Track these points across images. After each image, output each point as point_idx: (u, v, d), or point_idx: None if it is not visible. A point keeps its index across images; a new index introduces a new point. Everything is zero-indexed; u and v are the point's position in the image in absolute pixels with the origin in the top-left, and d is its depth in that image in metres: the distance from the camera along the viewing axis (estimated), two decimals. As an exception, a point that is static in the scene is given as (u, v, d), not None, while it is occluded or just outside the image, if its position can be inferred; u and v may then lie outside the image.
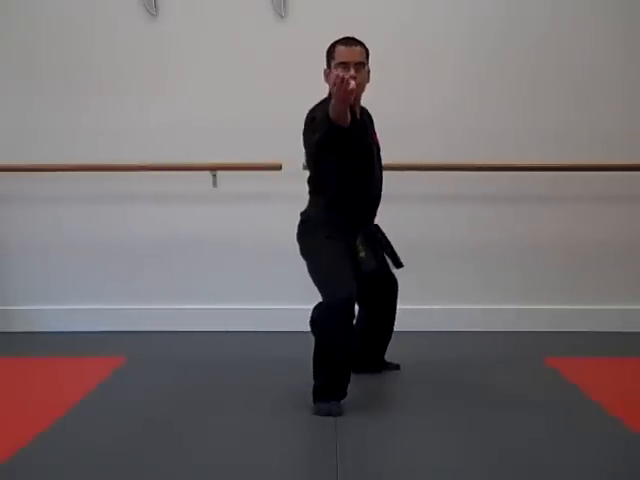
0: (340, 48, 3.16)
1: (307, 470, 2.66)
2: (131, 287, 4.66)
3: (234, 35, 4.53)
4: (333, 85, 2.85)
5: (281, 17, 4.52)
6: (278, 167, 4.35)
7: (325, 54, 3.26)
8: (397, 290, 3.62)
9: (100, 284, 4.66)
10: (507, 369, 3.82)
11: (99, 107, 4.56)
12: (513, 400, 3.32)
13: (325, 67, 3.24)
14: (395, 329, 4.55)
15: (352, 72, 3.06)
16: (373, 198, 3.42)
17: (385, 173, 4.55)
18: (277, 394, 3.40)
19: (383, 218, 4.54)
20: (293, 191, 4.47)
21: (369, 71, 3.23)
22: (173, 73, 4.59)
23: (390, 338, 3.72)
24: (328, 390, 3.13)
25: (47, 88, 4.58)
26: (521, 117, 4.56)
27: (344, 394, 3.17)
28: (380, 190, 3.44)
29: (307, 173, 4.58)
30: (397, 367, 3.78)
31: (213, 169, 4.52)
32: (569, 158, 4.46)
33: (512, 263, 4.64)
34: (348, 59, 3.12)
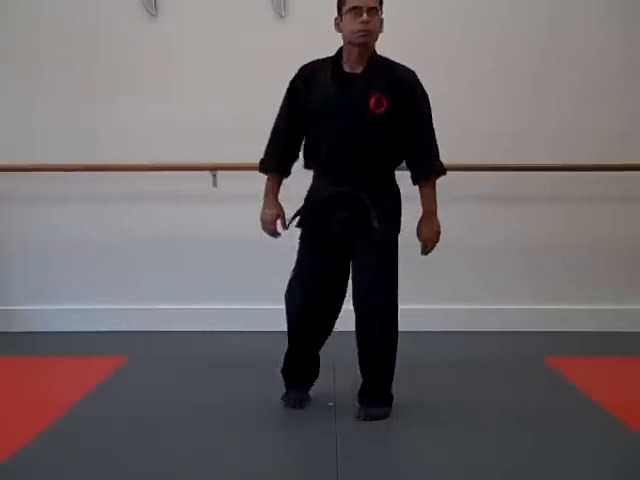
0: None
1: (307, 470, 2.66)
2: (131, 287, 4.66)
3: (234, 35, 4.53)
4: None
5: (281, 17, 4.52)
6: (278, 167, 4.35)
7: (336, 7, 3.06)
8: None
9: (100, 284, 4.66)
10: (507, 369, 3.83)
11: (99, 107, 4.56)
12: (513, 400, 3.33)
13: (336, 16, 3.05)
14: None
15: (365, 17, 2.91)
16: (335, 154, 3.07)
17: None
18: (277, 394, 3.40)
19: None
20: (293, 191, 4.48)
21: (382, 20, 3.05)
22: (173, 73, 4.59)
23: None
24: None
25: (46, 88, 4.58)
26: (514, 118, 4.56)
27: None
28: (361, 150, 3.03)
29: (306, 173, 4.59)
30: None
31: (213, 169, 4.52)
32: (565, 158, 4.46)
33: (511, 263, 4.64)
34: (360, 3, 2.90)
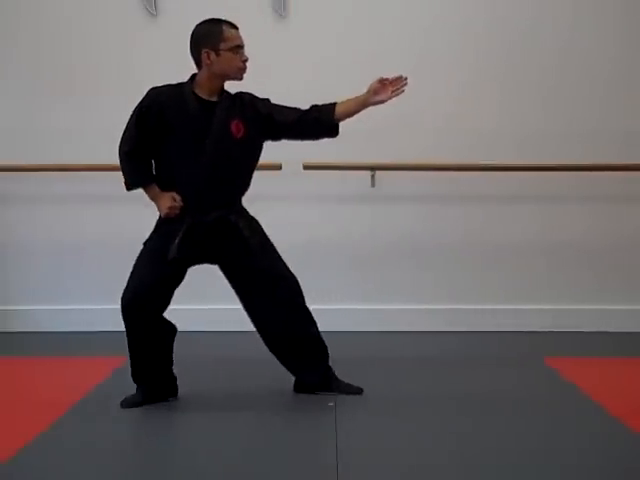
0: (232, 31, 3.17)
1: (307, 470, 2.66)
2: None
3: (234, 35, 4.53)
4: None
5: (281, 17, 4.52)
6: (278, 167, 4.35)
7: (201, 34, 3.18)
8: (287, 289, 3.33)
9: (100, 284, 4.66)
10: (506, 369, 3.83)
11: (99, 107, 4.56)
12: (512, 400, 3.33)
13: (206, 49, 3.12)
14: (395, 329, 4.58)
15: (246, 56, 3.16)
16: (206, 182, 3.18)
17: (381, 173, 4.56)
18: (277, 393, 3.41)
19: (380, 218, 4.55)
20: (293, 191, 4.50)
21: None
22: (173, 73, 4.57)
23: (312, 347, 3.38)
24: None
25: (46, 88, 4.58)
26: (505, 118, 4.58)
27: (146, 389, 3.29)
28: (224, 176, 3.20)
29: (307, 173, 4.59)
30: (359, 391, 3.40)
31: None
32: (561, 158, 4.47)
33: (512, 263, 4.64)
34: (242, 43, 3.18)
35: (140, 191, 4.46)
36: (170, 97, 3.16)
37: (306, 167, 4.36)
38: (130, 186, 3.25)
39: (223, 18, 3.21)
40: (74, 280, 4.68)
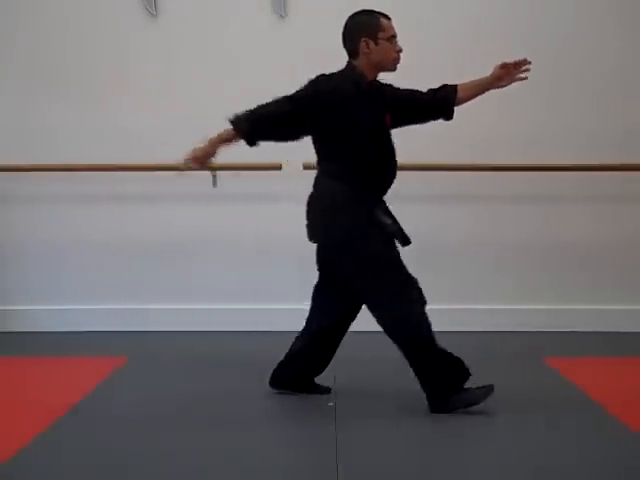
0: (387, 22, 3.15)
1: (307, 470, 2.66)
2: (132, 287, 4.66)
3: (234, 35, 4.53)
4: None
5: (281, 17, 4.52)
6: (278, 167, 4.36)
7: (359, 23, 3.15)
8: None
9: (100, 284, 4.66)
10: (507, 369, 3.82)
11: (98, 107, 4.56)
12: (512, 400, 3.32)
13: (365, 38, 3.09)
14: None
15: (400, 46, 3.13)
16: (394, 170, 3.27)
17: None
18: (276, 393, 3.40)
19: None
20: (293, 191, 4.48)
21: None
22: (173, 73, 4.59)
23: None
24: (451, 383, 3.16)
25: (46, 88, 4.58)
26: (504, 118, 4.57)
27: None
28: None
29: (306, 173, 4.58)
30: (328, 390, 3.43)
31: (213, 169, 4.51)
32: (558, 158, 4.47)
33: (511, 263, 4.64)
34: (396, 33, 3.14)
35: (141, 191, 4.49)
36: (352, 85, 3.10)
37: (306, 167, 4.36)
38: (242, 131, 3.18)
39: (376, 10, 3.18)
40: (73, 280, 4.67)
